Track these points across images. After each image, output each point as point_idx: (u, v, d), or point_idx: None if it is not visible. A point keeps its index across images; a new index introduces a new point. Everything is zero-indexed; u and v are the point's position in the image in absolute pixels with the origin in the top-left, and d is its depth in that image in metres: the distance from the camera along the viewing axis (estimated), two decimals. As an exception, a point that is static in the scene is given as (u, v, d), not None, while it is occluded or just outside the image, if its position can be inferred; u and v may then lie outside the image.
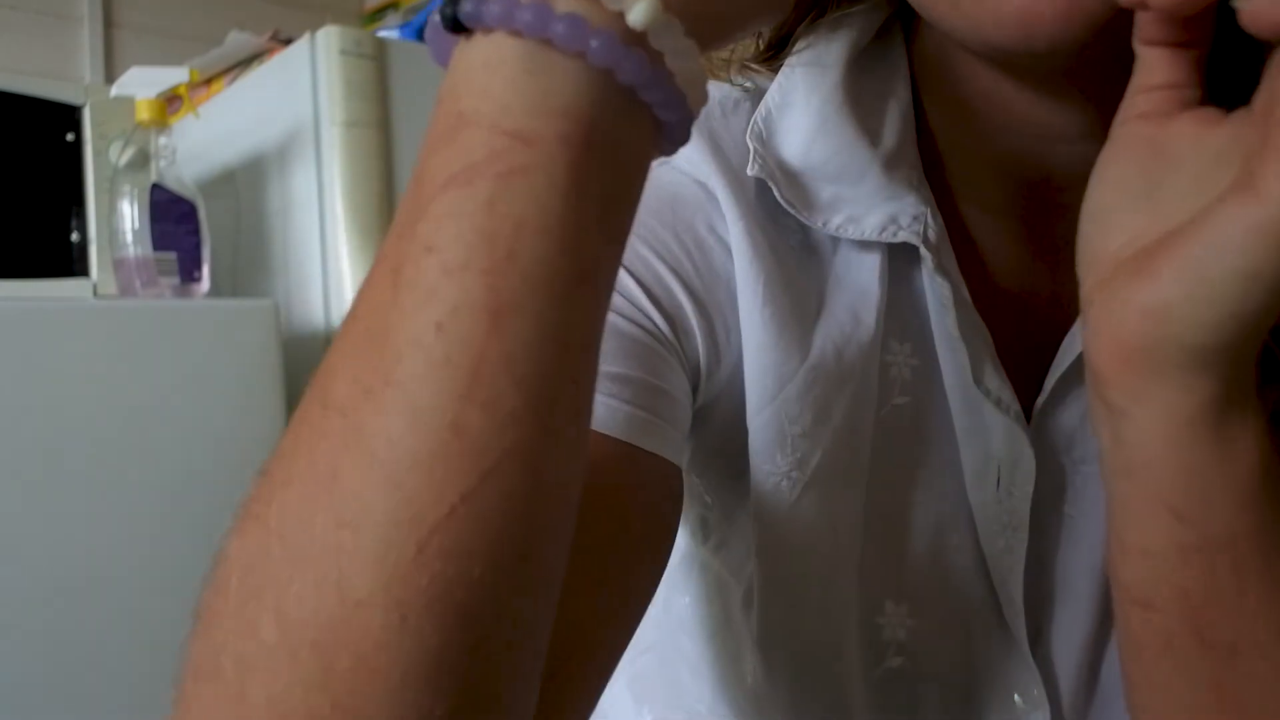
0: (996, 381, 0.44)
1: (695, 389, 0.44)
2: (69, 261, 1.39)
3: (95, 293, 1.38)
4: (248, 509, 0.26)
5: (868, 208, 0.44)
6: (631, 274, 0.42)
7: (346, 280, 1.24)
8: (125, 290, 1.21)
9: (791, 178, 0.44)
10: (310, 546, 0.24)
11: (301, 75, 1.26)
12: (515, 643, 0.25)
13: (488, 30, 0.26)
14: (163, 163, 1.21)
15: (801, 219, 0.44)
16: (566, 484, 0.27)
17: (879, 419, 0.46)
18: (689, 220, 0.44)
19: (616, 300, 0.41)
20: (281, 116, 1.28)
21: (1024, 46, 0.35)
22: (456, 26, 0.27)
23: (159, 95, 1.23)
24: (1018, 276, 0.47)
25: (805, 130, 0.44)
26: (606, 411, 0.39)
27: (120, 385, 1.07)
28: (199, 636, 0.25)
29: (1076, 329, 0.44)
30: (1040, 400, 0.46)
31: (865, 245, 0.44)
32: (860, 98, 0.45)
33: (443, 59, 0.28)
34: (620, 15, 0.26)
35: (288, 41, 1.35)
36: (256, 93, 1.37)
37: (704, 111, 0.44)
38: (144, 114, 1.20)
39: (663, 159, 0.42)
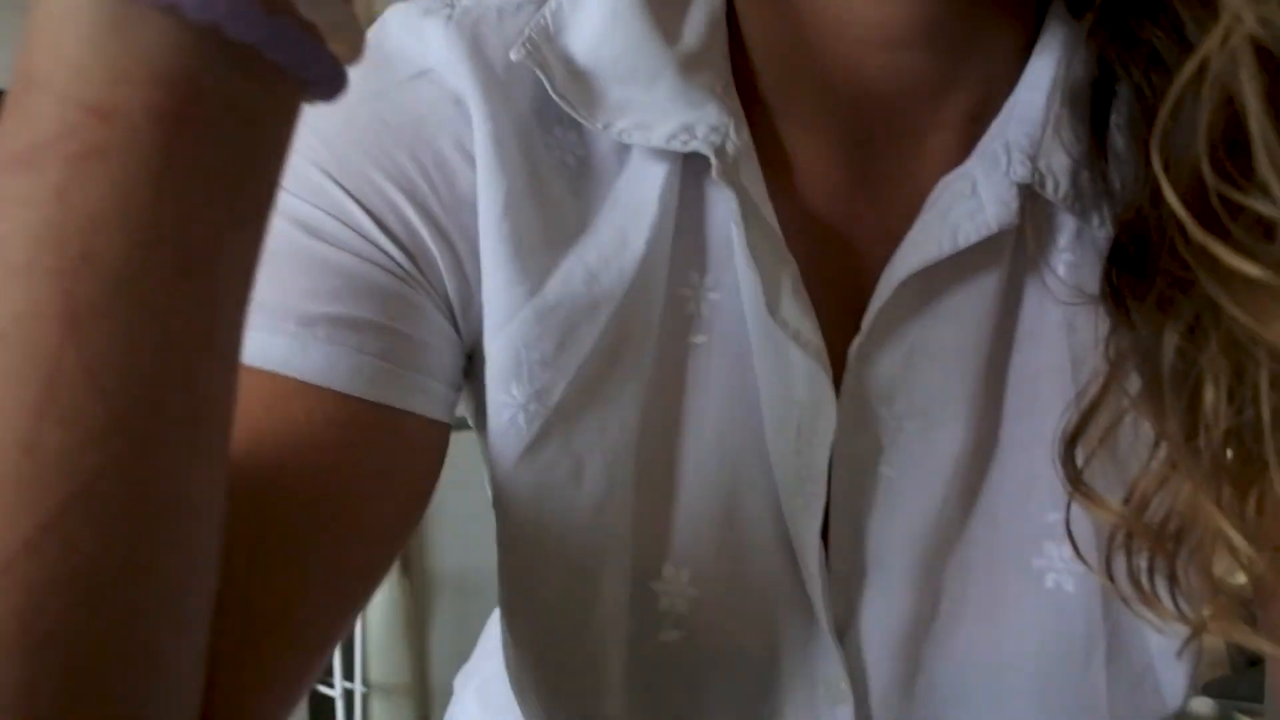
0: (795, 312, 0.39)
1: (456, 329, 0.40)
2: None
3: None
4: None
5: (660, 115, 0.38)
6: (361, 204, 0.38)
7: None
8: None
9: (575, 76, 0.39)
10: None
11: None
12: (136, 665, 0.23)
13: None
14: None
15: (578, 118, 0.39)
16: (190, 495, 0.24)
17: (666, 356, 0.41)
18: (431, 138, 0.39)
19: (344, 234, 0.38)
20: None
21: None
22: None
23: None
24: (838, 204, 0.42)
25: (595, 25, 0.39)
26: (325, 361, 0.35)
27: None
28: None
29: (899, 260, 0.39)
30: (857, 341, 0.40)
31: (656, 158, 0.39)
32: None
33: None
34: None
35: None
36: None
37: (473, 15, 0.40)
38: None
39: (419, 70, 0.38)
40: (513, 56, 0.38)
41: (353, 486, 0.36)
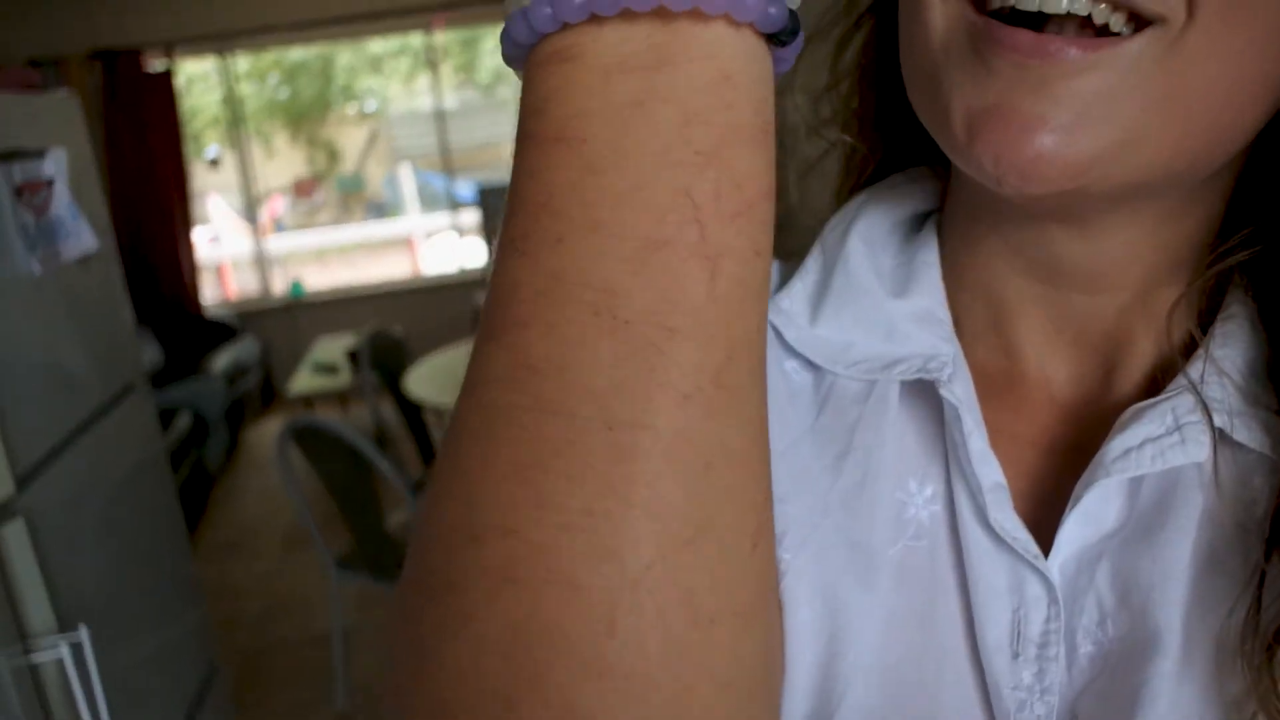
0: (1013, 523, 0.40)
1: None
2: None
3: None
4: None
5: (888, 351, 0.44)
6: None
7: None
8: None
9: (814, 336, 0.46)
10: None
11: None
12: None
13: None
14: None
15: (811, 360, 0.46)
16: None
17: (888, 558, 0.42)
18: None
19: None
20: None
21: (1011, 191, 0.36)
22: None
23: None
24: (1042, 416, 0.44)
25: (823, 293, 0.47)
26: None
27: None
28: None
29: (1100, 465, 0.39)
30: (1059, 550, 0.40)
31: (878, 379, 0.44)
32: (886, 257, 0.48)
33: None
34: None
35: None
36: None
37: None
38: None
39: None
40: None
41: None
